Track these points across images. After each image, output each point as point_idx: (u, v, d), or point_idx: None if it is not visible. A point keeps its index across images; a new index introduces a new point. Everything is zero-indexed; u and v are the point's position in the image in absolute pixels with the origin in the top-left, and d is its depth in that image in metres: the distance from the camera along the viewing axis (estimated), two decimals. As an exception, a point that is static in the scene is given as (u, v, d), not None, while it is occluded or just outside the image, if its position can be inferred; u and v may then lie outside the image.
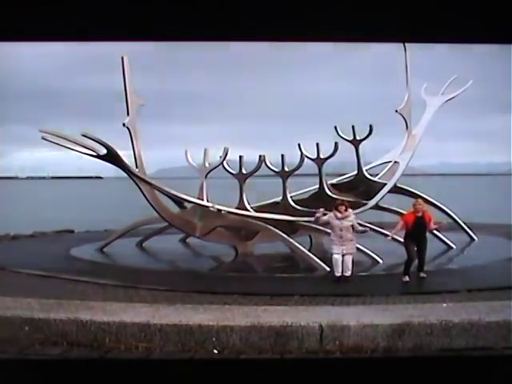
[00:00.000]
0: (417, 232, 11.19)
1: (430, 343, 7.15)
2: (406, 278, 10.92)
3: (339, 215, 10.96)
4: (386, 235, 12.84)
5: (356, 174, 15.93)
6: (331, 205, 14.83)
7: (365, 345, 7.11)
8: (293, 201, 14.74)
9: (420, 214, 11.31)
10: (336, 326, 7.25)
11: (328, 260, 12.48)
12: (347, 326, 7.23)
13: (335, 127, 15.74)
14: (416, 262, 11.24)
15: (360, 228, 11.22)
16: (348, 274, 10.88)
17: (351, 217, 11.08)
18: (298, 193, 16.01)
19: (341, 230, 10.88)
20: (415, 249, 11.21)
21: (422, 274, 11.20)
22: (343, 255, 10.86)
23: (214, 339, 7.18)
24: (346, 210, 11.07)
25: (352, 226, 10.98)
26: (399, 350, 7.09)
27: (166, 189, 13.60)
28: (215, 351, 7.13)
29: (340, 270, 10.86)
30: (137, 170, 13.01)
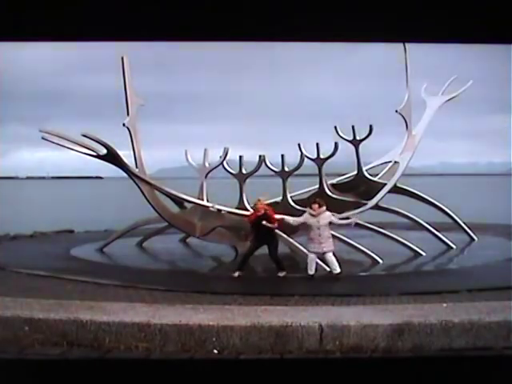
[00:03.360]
0: (259, 231, 11.38)
1: (430, 343, 7.14)
2: (236, 274, 11.26)
3: (314, 213, 11.10)
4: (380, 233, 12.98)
5: (356, 174, 15.91)
6: (331, 205, 14.90)
7: (365, 345, 7.10)
8: (293, 201, 14.73)
9: (261, 213, 11.46)
10: (336, 326, 7.24)
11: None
12: (347, 326, 7.23)
13: (335, 127, 15.73)
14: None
15: (340, 221, 11.43)
16: (337, 270, 11.00)
17: (327, 213, 11.19)
18: (298, 193, 16.00)
19: (318, 228, 11.02)
20: (257, 247, 11.53)
21: (280, 274, 11.34)
22: (323, 253, 11.03)
23: (214, 339, 7.17)
24: (319, 208, 11.19)
25: (330, 222, 11.13)
26: (399, 350, 7.09)
27: (166, 189, 13.59)
28: (215, 351, 7.12)
29: (314, 268, 11.05)
30: (137, 170, 13.00)
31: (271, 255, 11.50)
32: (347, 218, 12.06)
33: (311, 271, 11.04)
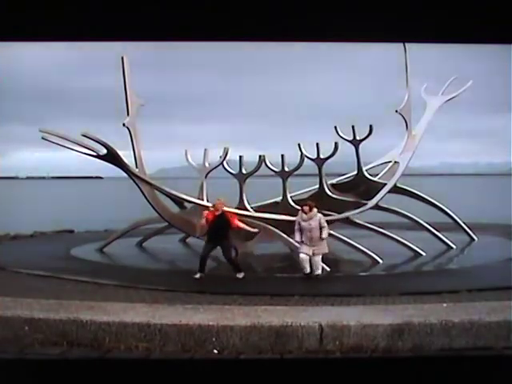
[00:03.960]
0: (215, 231, 11.27)
1: (430, 343, 7.14)
2: (197, 275, 11.14)
3: (305, 216, 10.95)
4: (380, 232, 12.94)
5: (356, 174, 15.93)
6: (331, 205, 14.88)
7: (365, 345, 7.10)
8: (293, 201, 14.74)
9: (219, 213, 11.32)
10: (336, 326, 7.24)
11: (328, 260, 12.49)
12: (347, 326, 7.23)
13: (335, 127, 15.75)
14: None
15: (324, 233, 10.97)
16: (318, 272, 10.94)
17: (317, 216, 11.02)
18: (298, 193, 16.01)
19: (310, 231, 10.85)
20: (212, 247, 11.37)
21: (238, 275, 11.24)
22: (312, 255, 10.90)
23: (214, 339, 7.17)
24: (310, 210, 11.02)
25: (320, 224, 10.91)
26: (399, 350, 7.09)
27: (166, 189, 13.60)
28: (215, 351, 7.12)
29: (308, 267, 10.93)
30: (137, 170, 13.00)
31: (225, 256, 11.45)
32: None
33: (306, 270, 10.98)
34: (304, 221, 10.97)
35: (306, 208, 11.07)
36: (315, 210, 11.19)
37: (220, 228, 11.23)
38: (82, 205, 43.34)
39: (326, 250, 11.17)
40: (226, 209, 11.74)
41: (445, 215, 16.36)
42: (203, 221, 11.51)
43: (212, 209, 11.60)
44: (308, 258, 10.94)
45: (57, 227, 20.34)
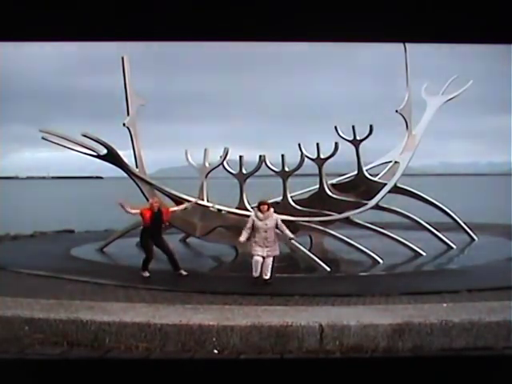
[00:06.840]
0: (153, 228, 11.44)
1: (430, 343, 7.15)
2: (146, 274, 11.25)
3: (261, 216, 10.50)
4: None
5: (356, 174, 15.93)
6: (331, 205, 14.87)
7: (365, 345, 7.11)
8: (293, 201, 14.74)
9: (156, 210, 11.48)
10: (336, 326, 7.24)
11: (328, 260, 12.50)
12: (347, 326, 7.23)
13: (335, 127, 15.75)
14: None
15: (287, 232, 10.69)
16: (267, 276, 10.47)
17: (274, 216, 10.63)
18: (298, 193, 16.01)
19: (265, 231, 10.41)
20: (153, 246, 11.52)
21: (182, 273, 11.38)
22: (265, 257, 10.45)
23: (214, 339, 7.18)
24: (267, 210, 10.61)
25: (276, 224, 10.55)
26: (399, 350, 7.09)
27: (166, 189, 13.60)
28: (215, 351, 7.12)
29: (259, 270, 10.45)
30: (137, 170, 13.01)
31: (167, 253, 11.63)
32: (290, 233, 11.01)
33: (256, 273, 10.46)
34: (260, 220, 10.48)
35: (264, 207, 10.59)
36: (272, 209, 10.78)
37: (156, 225, 11.42)
38: (82, 205, 43.33)
39: (278, 253, 10.73)
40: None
41: (445, 215, 16.37)
42: (139, 215, 11.64)
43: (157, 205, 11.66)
44: (262, 260, 10.45)
45: (57, 227, 20.35)
